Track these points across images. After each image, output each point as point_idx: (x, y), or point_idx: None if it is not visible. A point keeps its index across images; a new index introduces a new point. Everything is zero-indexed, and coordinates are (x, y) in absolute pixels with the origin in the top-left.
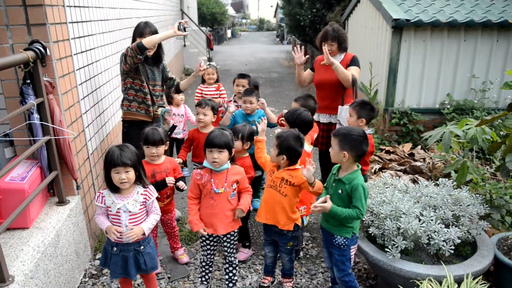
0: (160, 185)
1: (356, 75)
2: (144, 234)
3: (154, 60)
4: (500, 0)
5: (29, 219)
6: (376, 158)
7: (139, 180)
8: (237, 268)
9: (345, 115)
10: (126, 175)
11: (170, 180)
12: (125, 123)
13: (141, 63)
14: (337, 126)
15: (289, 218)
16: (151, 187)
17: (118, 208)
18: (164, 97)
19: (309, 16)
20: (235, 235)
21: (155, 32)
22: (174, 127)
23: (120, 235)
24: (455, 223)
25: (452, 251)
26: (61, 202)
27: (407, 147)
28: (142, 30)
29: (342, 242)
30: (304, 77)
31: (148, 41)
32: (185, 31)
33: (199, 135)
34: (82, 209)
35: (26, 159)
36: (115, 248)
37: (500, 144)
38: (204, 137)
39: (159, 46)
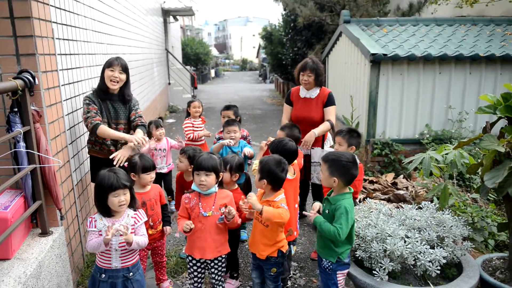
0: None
1: (333, 113)
2: (130, 244)
3: (119, 97)
4: (471, 36)
5: (11, 250)
6: (361, 188)
7: (133, 199)
8: None
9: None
10: (124, 197)
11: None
12: (90, 158)
13: (103, 100)
14: (316, 168)
15: (271, 245)
16: (141, 211)
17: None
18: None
19: (291, 55)
20: (223, 261)
21: (125, 66)
22: None
23: (110, 260)
24: (440, 244)
25: (438, 272)
26: (44, 233)
27: (390, 176)
28: (111, 61)
29: (327, 266)
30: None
31: (102, 133)
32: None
33: (183, 181)
34: (66, 241)
35: (9, 188)
36: (103, 275)
37: (478, 165)
38: (188, 185)
39: (125, 83)
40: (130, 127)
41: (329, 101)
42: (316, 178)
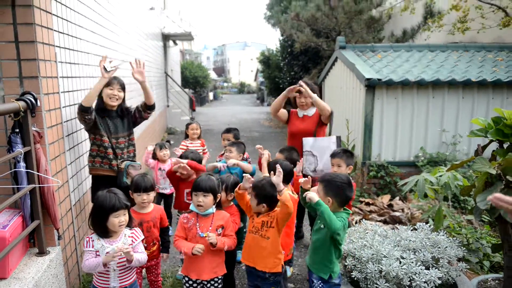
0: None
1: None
2: (131, 261)
3: (118, 113)
4: (463, 62)
5: (8, 269)
6: (356, 209)
7: (130, 219)
8: None
9: (323, 144)
10: (124, 218)
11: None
12: (92, 178)
13: (102, 117)
14: (308, 158)
15: (275, 259)
16: (137, 229)
17: (107, 252)
18: (135, 147)
19: (288, 79)
20: (219, 282)
21: (123, 85)
22: None
23: (108, 281)
24: (435, 265)
25: None
26: (41, 252)
27: (385, 198)
28: (109, 81)
29: (318, 285)
30: (280, 108)
31: (86, 99)
32: (106, 71)
33: (182, 184)
34: (62, 260)
35: (8, 208)
36: None
37: (471, 187)
38: (185, 185)
39: (123, 100)
40: (130, 140)
41: None
42: (308, 169)
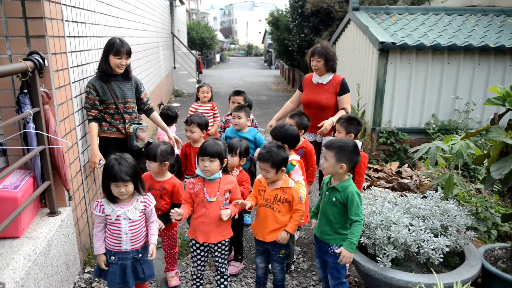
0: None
1: (348, 101)
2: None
3: (123, 76)
4: (481, 27)
5: (20, 228)
6: (365, 176)
7: (138, 190)
8: (228, 280)
9: None
10: (125, 189)
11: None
12: (100, 139)
13: (108, 82)
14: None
15: (281, 227)
16: (150, 195)
17: (118, 216)
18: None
19: (297, 41)
20: (226, 244)
21: (130, 51)
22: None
23: (120, 243)
24: (443, 233)
25: (441, 260)
26: (53, 212)
27: (394, 165)
28: (119, 48)
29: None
30: (292, 108)
31: (89, 130)
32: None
33: (190, 149)
34: (73, 221)
35: (19, 169)
36: (113, 257)
37: (485, 156)
38: (195, 151)
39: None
40: (138, 107)
41: (343, 89)
42: None
